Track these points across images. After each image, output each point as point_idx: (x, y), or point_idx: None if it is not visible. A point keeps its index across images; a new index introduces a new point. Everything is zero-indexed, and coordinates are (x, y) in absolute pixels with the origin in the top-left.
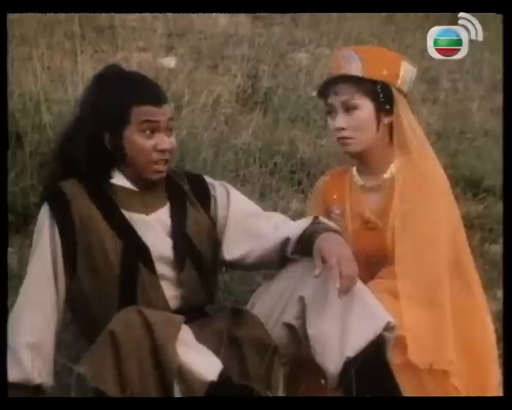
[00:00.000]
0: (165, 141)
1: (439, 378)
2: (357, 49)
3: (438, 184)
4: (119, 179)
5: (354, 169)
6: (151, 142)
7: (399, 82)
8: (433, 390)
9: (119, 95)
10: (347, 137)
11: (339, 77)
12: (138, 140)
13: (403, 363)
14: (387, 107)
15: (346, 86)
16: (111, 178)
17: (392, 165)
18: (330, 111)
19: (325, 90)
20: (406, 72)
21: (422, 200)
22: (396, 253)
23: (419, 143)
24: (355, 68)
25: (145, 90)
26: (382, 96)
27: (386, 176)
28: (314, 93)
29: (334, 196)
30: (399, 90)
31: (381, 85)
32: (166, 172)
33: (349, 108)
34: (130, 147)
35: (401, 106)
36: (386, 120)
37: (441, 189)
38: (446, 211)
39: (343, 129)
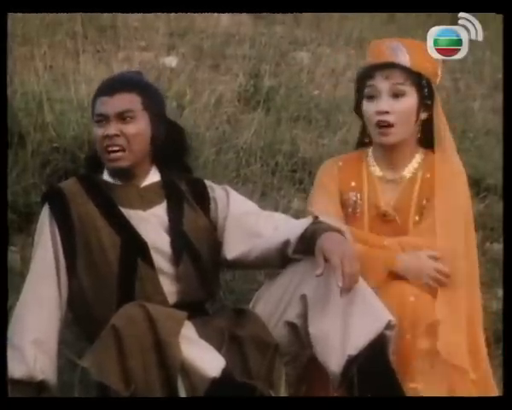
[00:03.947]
0: (112, 127)
1: (460, 372)
2: (403, 40)
3: (462, 183)
4: (107, 175)
5: (371, 159)
6: (101, 130)
7: (438, 80)
8: (456, 382)
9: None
10: (389, 124)
11: (389, 63)
12: (94, 131)
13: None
14: (429, 102)
15: (397, 73)
16: (102, 174)
17: (413, 160)
18: (372, 95)
19: (370, 73)
20: (440, 72)
21: (446, 196)
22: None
23: (451, 142)
24: (403, 59)
25: (106, 81)
26: (427, 90)
27: (406, 171)
28: (316, 92)
29: (353, 184)
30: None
31: (426, 80)
32: (134, 163)
33: (397, 94)
34: (95, 138)
35: (439, 103)
36: (422, 116)
37: (465, 188)
38: (468, 208)
39: (387, 113)
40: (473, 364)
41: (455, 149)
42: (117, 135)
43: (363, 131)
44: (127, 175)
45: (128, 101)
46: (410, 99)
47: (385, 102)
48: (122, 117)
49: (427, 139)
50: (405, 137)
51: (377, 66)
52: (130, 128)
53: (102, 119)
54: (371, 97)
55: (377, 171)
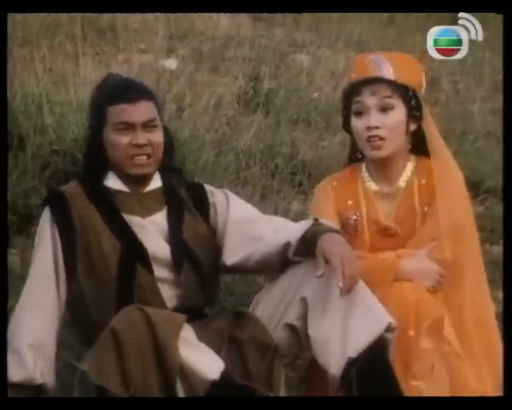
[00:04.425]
0: (140, 136)
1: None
2: (385, 54)
3: (462, 187)
4: (112, 181)
5: (366, 175)
6: (126, 138)
7: (423, 91)
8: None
9: (98, 97)
10: (380, 138)
11: (374, 78)
12: (114, 138)
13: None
14: (417, 113)
15: (383, 87)
16: (105, 179)
17: (406, 169)
18: (360, 111)
19: (356, 89)
20: (424, 81)
21: (448, 201)
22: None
23: (445, 150)
24: (387, 73)
25: (120, 88)
26: (414, 101)
27: (400, 181)
28: (315, 94)
29: (349, 202)
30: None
31: (412, 91)
32: (155, 169)
33: (385, 108)
34: (108, 146)
35: (428, 113)
36: (412, 127)
37: (464, 192)
38: (470, 212)
39: (377, 128)
40: (487, 367)
41: (450, 154)
42: (146, 144)
43: (354, 147)
44: (140, 180)
45: (150, 109)
46: (399, 112)
47: (374, 118)
48: (147, 125)
49: (418, 149)
50: (397, 150)
51: (363, 81)
52: (155, 137)
53: (128, 127)
54: (359, 113)
55: (373, 186)
